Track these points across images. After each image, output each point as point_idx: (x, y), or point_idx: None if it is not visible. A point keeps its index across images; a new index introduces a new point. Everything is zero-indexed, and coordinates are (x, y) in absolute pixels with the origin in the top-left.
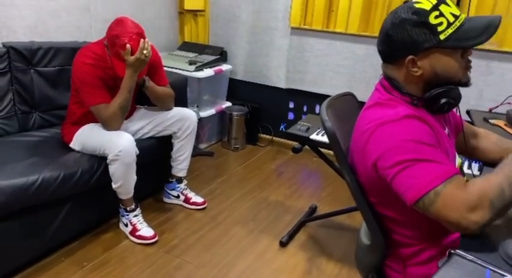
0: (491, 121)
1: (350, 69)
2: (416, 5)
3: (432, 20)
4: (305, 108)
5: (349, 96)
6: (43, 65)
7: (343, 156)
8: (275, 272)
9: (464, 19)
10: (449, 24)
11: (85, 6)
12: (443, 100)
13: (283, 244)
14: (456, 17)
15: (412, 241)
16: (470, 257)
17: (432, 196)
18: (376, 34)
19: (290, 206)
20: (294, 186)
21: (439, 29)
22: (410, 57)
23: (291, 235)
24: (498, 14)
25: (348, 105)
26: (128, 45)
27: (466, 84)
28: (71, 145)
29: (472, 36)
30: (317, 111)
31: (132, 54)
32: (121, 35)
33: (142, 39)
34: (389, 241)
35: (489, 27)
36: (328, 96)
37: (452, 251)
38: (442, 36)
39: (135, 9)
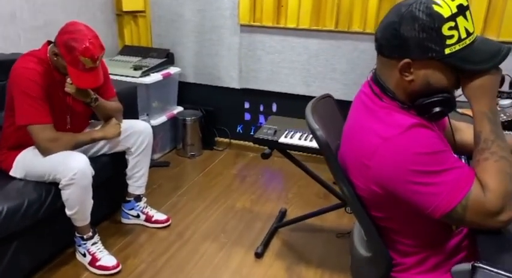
0: (459, 110)
1: (305, 64)
2: (435, 7)
3: (445, 30)
4: (261, 108)
5: (328, 98)
6: None
7: (340, 169)
8: None
9: (474, 38)
10: (459, 40)
11: (10, 13)
12: (436, 110)
13: (258, 255)
14: (469, 34)
15: (415, 249)
16: (496, 270)
17: (460, 210)
18: (328, 28)
19: (259, 212)
20: (259, 190)
21: (448, 42)
22: (406, 60)
23: (265, 244)
24: (508, 46)
25: (328, 108)
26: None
27: None
28: (12, 173)
29: (475, 61)
30: (274, 109)
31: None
32: (80, 38)
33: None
34: (392, 252)
35: (496, 56)
36: (284, 93)
37: (476, 264)
38: (447, 50)
39: (68, 14)
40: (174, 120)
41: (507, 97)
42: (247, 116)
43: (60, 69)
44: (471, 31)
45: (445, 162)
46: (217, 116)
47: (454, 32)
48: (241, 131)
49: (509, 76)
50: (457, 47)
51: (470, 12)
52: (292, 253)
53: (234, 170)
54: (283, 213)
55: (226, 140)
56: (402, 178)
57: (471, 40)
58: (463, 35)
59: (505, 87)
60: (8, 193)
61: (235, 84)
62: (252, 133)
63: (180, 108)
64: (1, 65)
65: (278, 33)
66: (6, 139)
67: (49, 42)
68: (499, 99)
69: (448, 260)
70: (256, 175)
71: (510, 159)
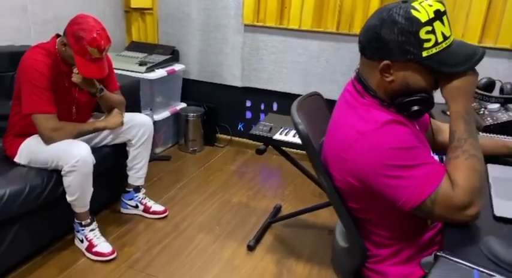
0: (449, 113)
1: (305, 65)
2: (413, 12)
3: (422, 34)
4: (262, 106)
5: (316, 95)
6: None
7: (320, 162)
8: None
9: (451, 42)
10: (436, 44)
11: (21, 6)
12: (414, 108)
13: (250, 248)
14: (445, 38)
15: (390, 241)
16: (456, 259)
17: (429, 204)
18: (329, 30)
19: (254, 207)
20: (256, 186)
21: (425, 45)
22: (386, 61)
23: (258, 238)
24: (483, 48)
25: (316, 105)
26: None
27: None
28: (16, 159)
29: (451, 63)
30: (274, 108)
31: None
32: (88, 29)
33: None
34: (368, 243)
35: (471, 59)
36: (284, 93)
37: (438, 253)
38: (424, 53)
39: (78, 9)
40: (177, 116)
41: (495, 102)
42: (248, 114)
43: (67, 59)
44: (448, 35)
45: (417, 158)
46: (219, 113)
47: (431, 36)
48: (242, 129)
49: (500, 81)
50: (434, 50)
51: (447, 17)
52: (283, 247)
53: (233, 166)
54: (277, 209)
55: (228, 137)
56: (376, 171)
57: (448, 44)
58: (440, 39)
59: (496, 92)
60: (11, 178)
61: (238, 83)
62: None
63: (183, 104)
64: (11, 56)
65: (280, 33)
66: (12, 126)
67: (57, 36)
68: (487, 103)
69: (420, 254)
70: (255, 172)
71: (480, 157)
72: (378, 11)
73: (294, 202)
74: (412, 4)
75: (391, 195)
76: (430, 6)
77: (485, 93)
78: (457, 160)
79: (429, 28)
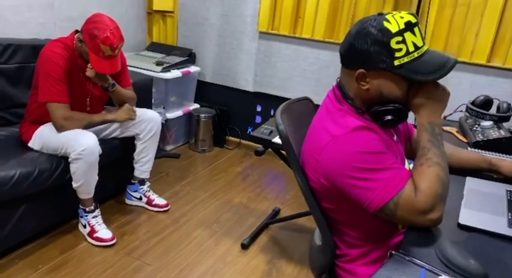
0: (445, 128)
1: (316, 74)
2: (385, 24)
3: (393, 44)
4: (272, 112)
5: (306, 100)
6: (2, 61)
7: (296, 161)
8: (235, 275)
9: (424, 51)
10: (407, 53)
11: (49, 2)
12: (387, 118)
13: (244, 247)
14: (417, 47)
15: (360, 242)
16: (407, 257)
17: (392, 206)
18: (340, 40)
19: (254, 209)
20: (258, 188)
21: (397, 54)
22: (361, 70)
23: (253, 238)
24: (455, 58)
25: (304, 110)
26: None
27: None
28: (30, 144)
29: (422, 72)
30: None
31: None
32: (102, 28)
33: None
34: (340, 243)
35: (443, 68)
36: None
37: (392, 252)
38: (396, 62)
39: (102, 8)
40: (189, 116)
41: (489, 119)
42: (258, 119)
43: (83, 55)
44: (419, 45)
45: (383, 162)
46: (230, 116)
47: (402, 46)
48: (251, 133)
49: (497, 100)
50: (406, 59)
51: (419, 29)
52: (277, 248)
53: (239, 168)
54: (276, 212)
55: (237, 140)
56: (343, 172)
57: (419, 53)
58: (411, 49)
59: (493, 110)
60: (22, 161)
61: (250, 87)
62: None
63: (196, 105)
64: (35, 49)
65: (293, 42)
66: (29, 114)
67: (76, 31)
68: (482, 120)
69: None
70: (259, 175)
71: (444, 165)
72: (356, 23)
73: (293, 206)
74: (386, 17)
75: (357, 196)
76: (402, 18)
77: (480, 110)
78: (421, 168)
79: (399, 38)
